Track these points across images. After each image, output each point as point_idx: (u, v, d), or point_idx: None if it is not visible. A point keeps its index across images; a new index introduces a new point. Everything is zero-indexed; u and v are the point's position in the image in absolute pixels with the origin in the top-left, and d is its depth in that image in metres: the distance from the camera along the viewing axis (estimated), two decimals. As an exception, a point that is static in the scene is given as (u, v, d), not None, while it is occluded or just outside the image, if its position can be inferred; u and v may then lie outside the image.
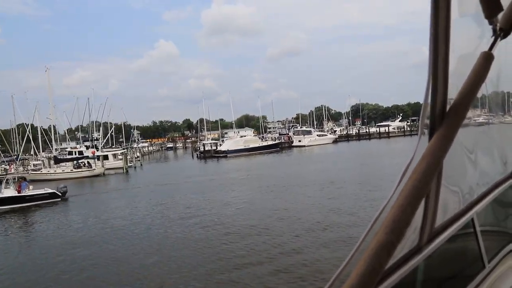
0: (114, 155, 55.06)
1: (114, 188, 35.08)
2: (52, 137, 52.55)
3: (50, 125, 73.02)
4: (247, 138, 69.33)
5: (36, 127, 69.90)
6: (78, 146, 57.53)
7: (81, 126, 72.31)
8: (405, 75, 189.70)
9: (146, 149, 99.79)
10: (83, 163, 47.22)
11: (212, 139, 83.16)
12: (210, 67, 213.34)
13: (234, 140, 66.44)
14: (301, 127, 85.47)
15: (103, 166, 48.45)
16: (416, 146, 1.09)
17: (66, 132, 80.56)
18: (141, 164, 60.96)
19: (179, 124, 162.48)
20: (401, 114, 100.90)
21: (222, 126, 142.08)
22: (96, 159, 49.21)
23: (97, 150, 55.34)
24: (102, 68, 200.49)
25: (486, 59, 1.21)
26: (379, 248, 0.85)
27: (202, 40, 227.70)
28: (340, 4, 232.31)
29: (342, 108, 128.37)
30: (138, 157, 64.91)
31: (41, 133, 63.46)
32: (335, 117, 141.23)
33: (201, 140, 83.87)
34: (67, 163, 47.34)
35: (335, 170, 33.46)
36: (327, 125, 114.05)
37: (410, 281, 1.49)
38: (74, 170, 45.75)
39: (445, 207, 1.63)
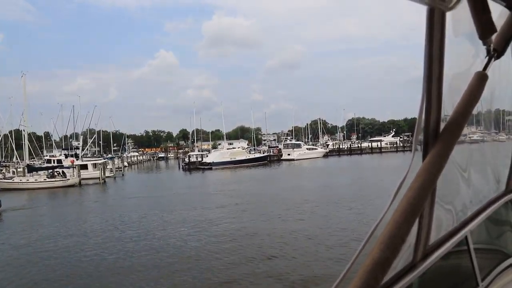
0: (94, 165, 53.25)
1: (77, 201, 33.45)
2: (25, 143, 50.65)
3: (48, 132, 72.28)
4: (234, 150, 67.70)
5: (29, 133, 69.81)
6: (57, 154, 55.79)
7: (65, 135, 70.72)
8: (403, 90, 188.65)
9: (135, 158, 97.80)
10: (57, 173, 45.43)
11: (204, 150, 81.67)
12: (209, 77, 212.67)
13: (220, 152, 64.82)
14: (290, 140, 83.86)
15: (79, 176, 46.65)
16: (410, 163, 1.09)
17: (62, 139, 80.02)
18: (123, 175, 59.26)
19: (172, 133, 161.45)
20: (394, 129, 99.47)
21: (217, 137, 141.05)
22: (73, 169, 47.51)
23: (77, 159, 53.63)
24: (102, 77, 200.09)
25: (481, 79, 1.24)
26: (375, 264, 0.86)
27: (202, 51, 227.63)
28: (339, 18, 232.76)
29: (340, 122, 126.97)
30: (119, 168, 63.21)
31: (32, 139, 62.49)
32: (332, 131, 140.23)
33: (192, 151, 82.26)
34: (41, 172, 45.55)
35: (315, 187, 31.80)
36: (323, 138, 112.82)
37: None
38: (47, 180, 43.94)
39: (439, 225, 1.63)
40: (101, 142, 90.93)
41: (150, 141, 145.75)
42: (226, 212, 22.66)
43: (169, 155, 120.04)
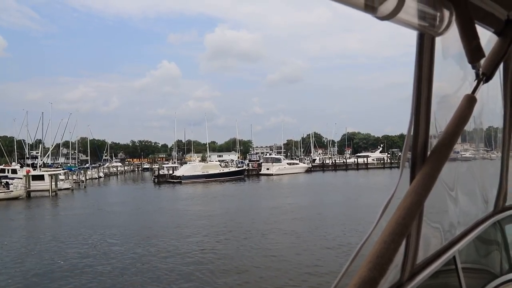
0: (52, 176, 49.63)
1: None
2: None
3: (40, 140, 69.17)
4: (207, 164, 63.91)
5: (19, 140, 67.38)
6: (13, 163, 52.43)
7: (30, 144, 67.26)
8: (402, 106, 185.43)
9: (115, 169, 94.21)
10: (1, 183, 41.89)
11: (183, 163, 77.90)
12: (210, 89, 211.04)
13: (192, 165, 61.05)
14: (276, 154, 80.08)
15: (26, 187, 43.12)
16: (397, 181, 1.11)
17: (56, 146, 77.28)
18: (85, 187, 55.69)
19: (167, 145, 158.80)
20: (381, 145, 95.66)
21: (211, 148, 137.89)
22: (25, 179, 44.06)
23: (34, 169, 50.15)
24: (103, 85, 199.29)
25: (470, 101, 1.26)
26: (362, 284, 0.85)
27: (204, 63, 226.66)
28: (341, 33, 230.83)
29: (332, 136, 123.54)
30: (96, 177, 59.69)
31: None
32: (326, 145, 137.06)
33: (184, 163, 78.28)
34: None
35: (282, 208, 28.09)
36: (316, 152, 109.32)
37: None
38: (-12, 191, 40.44)
39: (426, 244, 1.64)
40: (88, 150, 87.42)
41: (137, 151, 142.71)
42: (128, 235, 18.98)
43: (153, 166, 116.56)
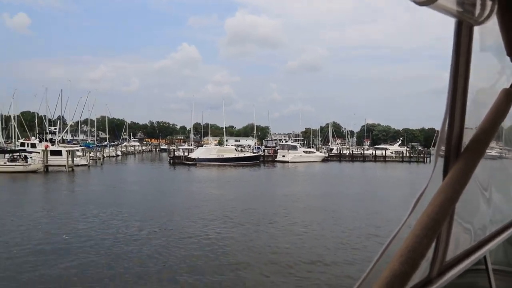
0: (69, 152, 50.36)
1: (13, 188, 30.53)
2: None
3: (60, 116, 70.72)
4: (222, 147, 63.72)
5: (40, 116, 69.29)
6: (33, 138, 53.40)
7: (51, 119, 68.41)
8: (423, 100, 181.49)
9: (133, 148, 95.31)
10: (20, 157, 42.67)
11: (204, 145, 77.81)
12: (229, 74, 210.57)
13: (207, 148, 60.94)
14: (286, 142, 79.20)
15: (44, 161, 43.84)
16: (430, 176, 1.11)
17: (78, 123, 78.99)
18: (102, 164, 56.42)
19: (186, 127, 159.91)
20: (401, 138, 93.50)
21: (229, 133, 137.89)
22: (43, 154, 44.83)
23: (53, 145, 50.94)
24: (123, 66, 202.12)
25: (507, 96, 1.24)
26: (393, 277, 0.85)
27: (224, 48, 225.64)
28: (363, 23, 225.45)
29: (351, 127, 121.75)
30: (113, 155, 60.42)
31: (18, 121, 61.69)
32: (345, 135, 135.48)
33: (201, 145, 78.29)
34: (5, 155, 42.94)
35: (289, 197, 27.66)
36: (335, 142, 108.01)
37: None
38: (7, 164, 41.26)
39: (456, 242, 1.60)
40: (107, 129, 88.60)
41: (155, 132, 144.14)
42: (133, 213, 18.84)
43: (171, 148, 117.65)
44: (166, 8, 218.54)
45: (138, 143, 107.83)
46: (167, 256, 12.85)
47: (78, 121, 73.10)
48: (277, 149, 72.32)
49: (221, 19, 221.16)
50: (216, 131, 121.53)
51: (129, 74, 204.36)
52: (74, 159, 48.66)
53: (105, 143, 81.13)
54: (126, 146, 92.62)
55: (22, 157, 42.54)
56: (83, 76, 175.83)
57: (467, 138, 1.24)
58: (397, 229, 0.98)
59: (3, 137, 61.89)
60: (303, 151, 70.76)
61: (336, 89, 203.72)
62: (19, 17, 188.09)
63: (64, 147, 51.16)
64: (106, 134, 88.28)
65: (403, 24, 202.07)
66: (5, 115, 68.72)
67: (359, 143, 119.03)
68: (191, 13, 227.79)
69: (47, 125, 64.83)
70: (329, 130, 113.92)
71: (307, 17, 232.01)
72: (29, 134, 62.98)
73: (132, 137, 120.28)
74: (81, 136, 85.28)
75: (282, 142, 79.89)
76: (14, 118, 61.53)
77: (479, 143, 1.15)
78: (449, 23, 1.14)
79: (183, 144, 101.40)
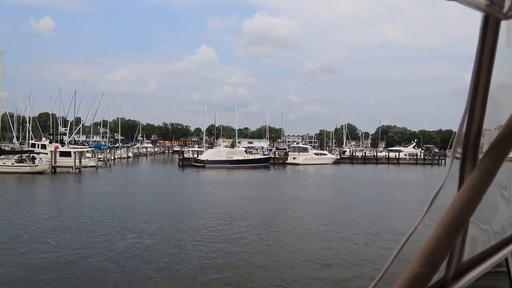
0: (76, 153, 50.64)
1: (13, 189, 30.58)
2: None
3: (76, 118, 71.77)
4: (231, 149, 63.23)
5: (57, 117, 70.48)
6: (43, 139, 53.91)
7: (67, 121, 69.13)
8: (441, 101, 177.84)
9: (145, 149, 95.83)
10: (28, 157, 42.99)
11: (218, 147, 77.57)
12: (246, 75, 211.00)
13: (216, 150, 60.59)
14: (297, 144, 78.22)
15: (52, 163, 44.11)
16: (446, 175, 1.09)
17: (91, 125, 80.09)
18: (111, 166, 56.55)
19: (201, 129, 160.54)
20: (415, 140, 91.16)
21: (243, 135, 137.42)
22: (51, 155, 45.17)
23: (63, 146, 51.36)
24: (142, 67, 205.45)
25: None
26: (413, 279, 0.84)
27: (241, 49, 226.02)
28: (381, 24, 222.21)
29: (366, 128, 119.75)
30: (125, 157, 60.66)
31: (32, 122, 62.81)
32: (360, 137, 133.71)
33: (214, 147, 78.15)
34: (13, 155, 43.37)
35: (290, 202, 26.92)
36: (349, 144, 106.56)
37: None
38: (15, 165, 41.61)
39: (474, 242, 1.55)
40: (119, 130, 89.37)
41: (169, 134, 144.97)
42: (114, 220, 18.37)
43: (183, 149, 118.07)
44: (186, 9, 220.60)
45: (151, 145, 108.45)
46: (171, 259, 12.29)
47: (94, 122, 73.67)
48: (288, 151, 71.52)
49: (239, 20, 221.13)
50: (231, 133, 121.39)
51: (146, 76, 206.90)
52: (83, 160, 48.88)
53: (117, 144, 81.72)
54: (138, 148, 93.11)
55: (30, 158, 42.84)
56: (102, 78, 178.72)
57: (485, 139, 1.20)
58: (411, 231, 0.96)
59: (19, 138, 63.03)
60: (314, 153, 69.64)
61: (353, 90, 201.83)
62: (44, 21, 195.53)
63: (74, 148, 51.51)
64: (119, 136, 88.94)
65: (422, 24, 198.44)
66: (22, 116, 69.98)
67: (374, 145, 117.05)
68: (210, 15, 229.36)
69: (60, 127, 65.65)
70: (343, 132, 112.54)
71: (325, 19, 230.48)
72: (42, 135, 63.90)
73: (146, 138, 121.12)
74: (96, 138, 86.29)
75: (293, 144, 78.88)
76: (28, 120, 62.52)
77: (503, 142, 1.10)
78: (471, 21, 1.11)
79: (196, 146, 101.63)
